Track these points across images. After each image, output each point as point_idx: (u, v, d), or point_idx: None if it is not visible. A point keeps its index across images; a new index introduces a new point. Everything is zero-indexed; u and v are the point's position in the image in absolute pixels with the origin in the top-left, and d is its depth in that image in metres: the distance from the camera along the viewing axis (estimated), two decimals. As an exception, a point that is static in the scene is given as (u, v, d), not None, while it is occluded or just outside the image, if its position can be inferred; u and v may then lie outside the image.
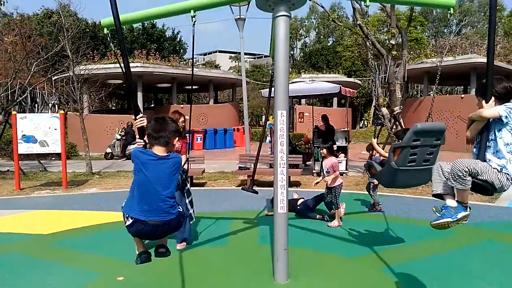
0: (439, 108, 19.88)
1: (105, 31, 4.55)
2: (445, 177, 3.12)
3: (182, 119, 5.45)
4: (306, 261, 4.84)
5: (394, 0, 5.06)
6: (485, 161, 3.00)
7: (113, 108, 35.12)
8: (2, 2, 13.30)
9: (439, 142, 3.91)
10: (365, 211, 7.64)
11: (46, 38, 19.16)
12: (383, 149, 7.24)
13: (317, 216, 6.95)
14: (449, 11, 4.75)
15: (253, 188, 6.48)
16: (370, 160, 4.85)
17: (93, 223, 6.76)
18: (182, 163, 5.35)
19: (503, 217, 7.06)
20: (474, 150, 3.16)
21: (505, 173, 2.96)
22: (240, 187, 6.54)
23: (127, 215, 2.98)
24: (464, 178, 2.92)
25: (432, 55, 22.83)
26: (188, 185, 5.55)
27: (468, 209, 3.10)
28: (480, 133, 3.07)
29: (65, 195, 9.56)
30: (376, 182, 7.21)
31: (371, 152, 7.24)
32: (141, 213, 2.92)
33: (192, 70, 5.24)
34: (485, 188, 2.99)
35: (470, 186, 2.96)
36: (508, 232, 6.13)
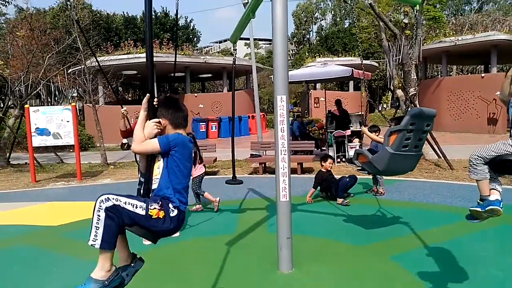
0: (458, 89, 19.31)
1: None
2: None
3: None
4: (311, 250, 4.74)
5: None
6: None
7: (129, 99, 35.39)
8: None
9: (428, 128, 3.95)
10: (370, 195, 7.47)
11: (61, 31, 19.29)
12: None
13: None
14: (414, 8, 4.87)
15: (236, 179, 6.42)
16: (359, 149, 4.77)
17: (103, 214, 6.78)
18: None
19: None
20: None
21: None
22: (251, 175, 6.47)
23: (175, 205, 2.35)
24: (476, 166, 2.88)
25: (451, 33, 22.08)
26: None
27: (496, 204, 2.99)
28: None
29: (79, 186, 9.67)
30: None
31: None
32: (184, 205, 2.43)
33: (176, 50, 5.13)
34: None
35: (485, 176, 2.90)
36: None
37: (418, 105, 10.76)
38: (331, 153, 11.46)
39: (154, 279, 4.19)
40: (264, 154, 11.04)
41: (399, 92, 11.11)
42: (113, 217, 2.14)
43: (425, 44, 19.52)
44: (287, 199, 4.11)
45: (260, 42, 63.85)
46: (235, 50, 5.91)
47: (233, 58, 5.88)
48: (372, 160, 4.16)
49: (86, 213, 6.89)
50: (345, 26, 49.82)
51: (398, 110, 11.65)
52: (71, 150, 16.39)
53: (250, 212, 6.61)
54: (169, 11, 37.62)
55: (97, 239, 2.11)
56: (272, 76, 13.05)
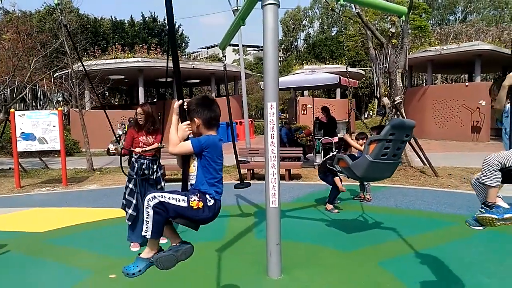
0: (442, 97, 19.66)
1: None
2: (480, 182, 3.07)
3: (139, 110, 5.18)
4: (300, 255, 4.76)
5: (357, 1, 5.15)
6: None
7: (116, 104, 35.14)
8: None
9: (407, 138, 4.11)
10: (357, 202, 7.53)
11: (47, 35, 19.10)
12: None
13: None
14: (401, 18, 5.19)
15: (244, 182, 6.36)
16: (340, 154, 4.91)
17: (90, 220, 6.72)
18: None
19: (507, 207, 6.90)
20: (506, 144, 3.08)
21: None
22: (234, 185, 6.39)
23: (211, 196, 2.60)
24: (494, 172, 2.88)
25: (436, 43, 22.52)
26: (163, 183, 5.41)
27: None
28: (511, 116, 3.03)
29: (64, 192, 9.55)
30: None
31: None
32: (219, 195, 2.69)
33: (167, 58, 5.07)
34: None
35: (499, 183, 2.90)
36: None
37: (403, 113, 10.92)
38: (318, 160, 11.54)
39: (143, 285, 4.16)
40: (252, 160, 11.06)
41: (385, 100, 11.24)
42: (160, 212, 2.46)
43: (411, 53, 19.87)
44: (277, 205, 4.13)
45: (248, 49, 64.09)
46: (225, 56, 5.90)
47: (224, 65, 5.88)
48: (351, 166, 4.30)
49: (72, 219, 6.86)
50: (332, 34, 50.37)
51: (384, 118, 11.80)
52: (56, 155, 16.18)
53: (239, 218, 6.62)
54: (157, 16, 37.57)
55: (148, 231, 2.49)
56: (260, 82, 13.22)
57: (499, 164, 2.87)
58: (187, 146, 2.57)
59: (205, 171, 2.60)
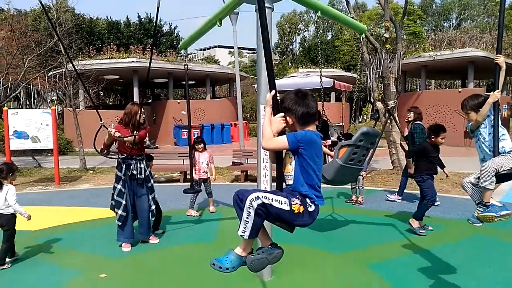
0: (436, 103, 19.82)
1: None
2: (476, 186, 3.59)
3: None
4: (291, 257, 4.74)
5: (330, 15, 4.95)
6: (498, 153, 3.43)
7: (110, 103, 35.03)
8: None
9: (372, 146, 4.33)
10: (349, 205, 7.59)
11: (42, 34, 19.02)
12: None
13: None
14: (361, 35, 5.47)
15: (195, 187, 6.25)
16: None
17: (82, 220, 6.72)
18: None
19: (495, 212, 6.98)
20: (484, 150, 3.60)
21: None
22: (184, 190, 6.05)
23: (312, 201, 2.43)
24: (492, 177, 3.36)
25: (430, 49, 22.70)
26: (152, 181, 5.50)
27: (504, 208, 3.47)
28: (493, 128, 3.51)
29: (57, 191, 9.51)
30: (364, 174, 7.36)
31: None
32: (320, 200, 2.50)
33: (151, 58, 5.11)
34: (509, 175, 3.43)
35: (494, 185, 3.40)
36: (497, 227, 6.06)
37: (397, 118, 11.01)
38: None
39: (132, 286, 4.17)
40: (246, 162, 11.09)
41: (379, 104, 11.32)
42: (261, 214, 2.30)
43: (405, 58, 20.02)
44: (268, 206, 4.15)
45: (244, 51, 64.19)
46: (187, 56, 5.98)
47: (185, 65, 5.83)
48: (323, 170, 4.41)
49: (64, 219, 6.84)
50: (328, 38, 50.64)
51: (377, 122, 11.88)
52: (49, 154, 16.12)
53: (231, 220, 6.62)
54: (153, 17, 37.52)
55: (246, 231, 2.33)
56: (255, 84, 13.23)
57: (495, 170, 3.35)
58: (282, 141, 2.38)
59: (303, 171, 2.40)
